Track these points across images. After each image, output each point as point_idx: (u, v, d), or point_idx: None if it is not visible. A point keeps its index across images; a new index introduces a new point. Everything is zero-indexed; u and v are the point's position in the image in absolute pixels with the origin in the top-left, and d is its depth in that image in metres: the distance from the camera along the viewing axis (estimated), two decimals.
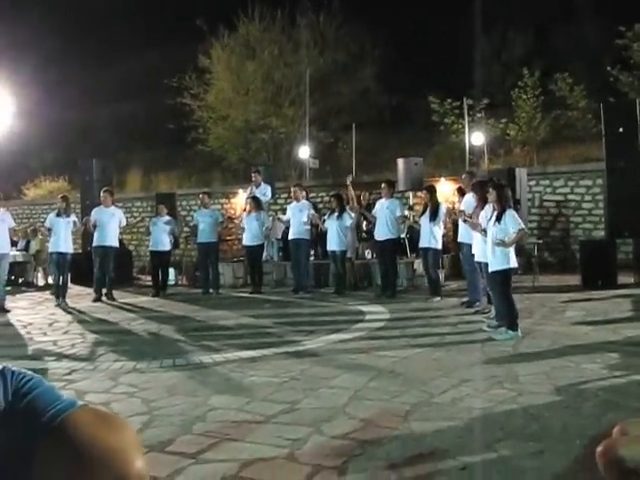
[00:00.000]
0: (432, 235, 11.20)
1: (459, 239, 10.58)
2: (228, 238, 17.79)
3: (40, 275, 16.58)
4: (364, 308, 10.50)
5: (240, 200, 17.35)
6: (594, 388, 5.30)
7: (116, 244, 12.91)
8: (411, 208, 14.37)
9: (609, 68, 17.84)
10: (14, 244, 14.19)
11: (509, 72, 21.24)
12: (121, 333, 9.02)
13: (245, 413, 4.96)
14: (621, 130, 11.99)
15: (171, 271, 15.68)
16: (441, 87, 19.55)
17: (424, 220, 11.31)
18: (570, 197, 15.78)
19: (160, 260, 13.47)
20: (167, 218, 13.54)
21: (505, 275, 7.79)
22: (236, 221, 16.37)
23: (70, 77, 24.98)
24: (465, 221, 9.47)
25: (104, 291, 12.74)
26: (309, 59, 23.05)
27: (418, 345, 7.41)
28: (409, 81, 21.53)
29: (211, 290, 13.30)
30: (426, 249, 11.34)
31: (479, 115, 19.34)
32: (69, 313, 11.19)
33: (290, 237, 13.08)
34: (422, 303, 10.89)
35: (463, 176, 11.41)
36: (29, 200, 24.60)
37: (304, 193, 13.61)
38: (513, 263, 7.79)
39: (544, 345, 7.11)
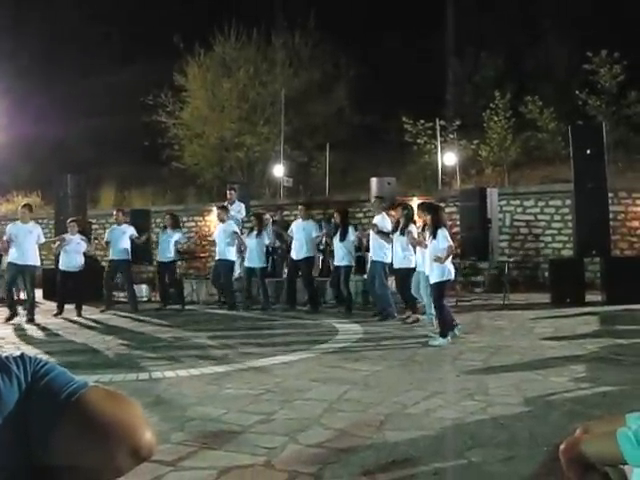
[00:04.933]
0: (343, 253, 12.14)
1: (371, 257, 11.64)
2: (202, 255, 17.85)
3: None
4: (337, 324, 10.63)
5: (214, 218, 17.41)
6: (561, 399, 5.48)
7: (34, 262, 12.04)
8: None
9: (577, 92, 18.26)
10: None
11: (481, 94, 21.60)
12: (94, 348, 9.02)
13: (222, 424, 5.05)
14: (589, 152, 12.30)
15: (144, 287, 15.73)
16: (414, 108, 19.80)
17: (335, 239, 12.33)
18: (540, 217, 16.09)
19: (72, 279, 12.84)
20: (78, 237, 13.05)
21: (439, 287, 8.77)
22: (210, 238, 16.39)
23: (44, 92, 24.91)
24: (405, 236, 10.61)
25: (22, 310, 12.23)
26: (284, 78, 23.26)
27: (391, 359, 7.55)
28: (382, 101, 21.79)
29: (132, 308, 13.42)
30: (337, 267, 12.33)
31: (451, 136, 19.63)
32: (42, 329, 11.16)
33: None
34: (394, 320, 11.04)
35: (372, 200, 12.43)
36: (1, 215, 24.41)
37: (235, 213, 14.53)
38: (448, 275, 8.75)
39: (513, 359, 7.30)
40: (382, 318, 11.13)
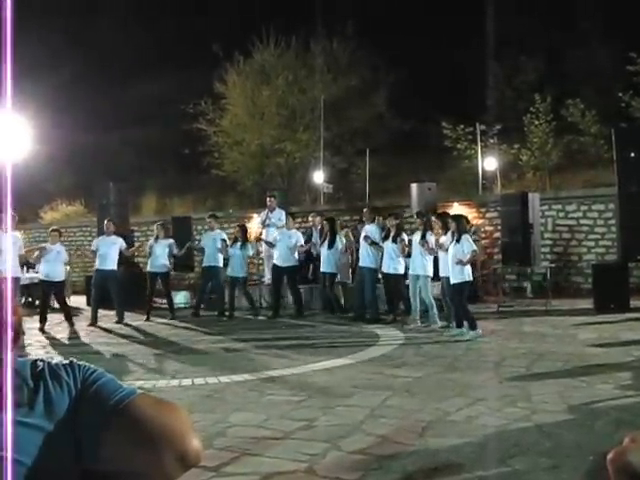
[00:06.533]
0: (329, 261, 12.73)
1: (361, 264, 12.05)
2: None
3: None
4: (378, 330, 10.60)
5: (254, 225, 17.49)
6: (606, 407, 5.40)
7: (15, 273, 11.57)
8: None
9: (620, 94, 17.95)
10: (32, 266, 14.28)
11: (521, 97, 21.35)
12: (139, 353, 9.14)
13: (264, 429, 5.08)
14: (633, 155, 12.08)
15: (185, 294, 15.88)
16: (454, 112, 19.68)
17: (323, 247, 12.88)
18: (582, 221, 15.84)
19: (53, 289, 12.68)
20: (59, 247, 12.74)
21: (461, 286, 9.59)
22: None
23: (87, 102, 25.33)
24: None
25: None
26: (323, 84, 23.31)
27: (432, 365, 7.52)
28: (422, 106, 21.67)
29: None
30: (323, 274, 12.97)
31: (492, 140, 19.46)
32: (88, 334, 11.35)
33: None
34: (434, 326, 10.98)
35: (364, 210, 12.91)
36: (46, 224, 24.84)
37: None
38: (468, 277, 9.62)
39: (557, 366, 7.21)
40: (367, 320, 11.66)
